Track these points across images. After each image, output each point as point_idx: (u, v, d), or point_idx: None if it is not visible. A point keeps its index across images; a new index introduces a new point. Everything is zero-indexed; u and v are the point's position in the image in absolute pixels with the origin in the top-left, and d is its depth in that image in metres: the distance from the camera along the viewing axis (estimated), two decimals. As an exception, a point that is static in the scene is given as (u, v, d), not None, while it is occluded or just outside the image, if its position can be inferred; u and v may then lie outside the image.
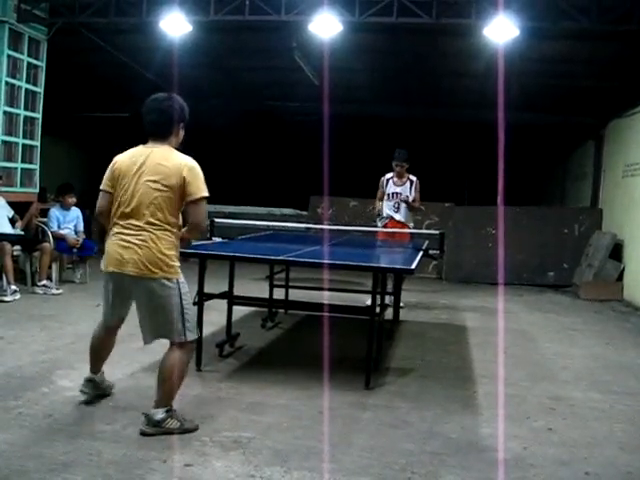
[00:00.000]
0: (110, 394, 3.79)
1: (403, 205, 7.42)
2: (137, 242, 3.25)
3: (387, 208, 7.46)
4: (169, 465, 2.95)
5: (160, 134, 3.40)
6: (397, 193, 7.44)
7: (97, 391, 3.70)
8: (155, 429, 3.25)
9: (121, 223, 3.33)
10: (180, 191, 3.27)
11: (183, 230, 3.44)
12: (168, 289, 3.27)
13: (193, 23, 7.79)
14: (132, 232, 3.28)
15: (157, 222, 3.27)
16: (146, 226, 3.26)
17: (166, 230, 3.29)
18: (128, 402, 3.74)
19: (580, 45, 8.30)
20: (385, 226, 7.40)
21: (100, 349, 3.65)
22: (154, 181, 3.26)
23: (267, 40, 9.01)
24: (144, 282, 3.26)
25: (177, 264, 3.34)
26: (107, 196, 3.41)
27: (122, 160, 3.41)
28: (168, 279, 3.27)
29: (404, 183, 7.46)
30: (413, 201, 7.46)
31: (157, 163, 3.29)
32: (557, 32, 7.71)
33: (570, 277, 10.06)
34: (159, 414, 3.26)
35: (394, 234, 7.31)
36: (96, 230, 3.27)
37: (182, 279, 3.35)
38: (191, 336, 3.36)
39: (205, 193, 3.30)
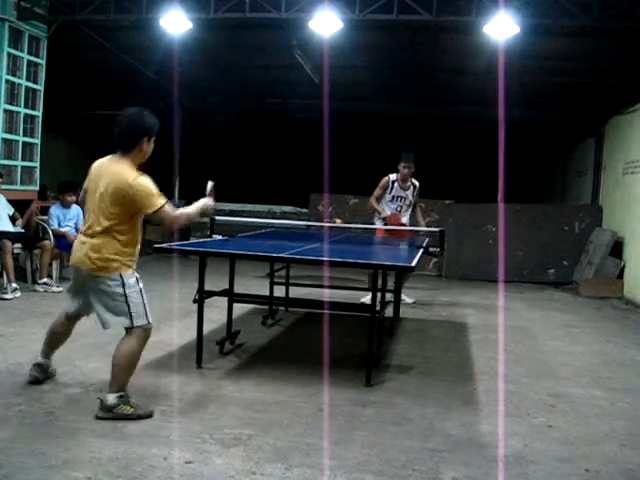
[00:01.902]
0: (53, 378, 3.99)
1: (405, 208, 7.44)
2: (88, 245, 3.53)
3: (388, 210, 7.42)
4: (170, 462, 2.96)
5: (123, 147, 3.56)
6: (402, 197, 7.43)
7: (44, 375, 3.91)
8: (108, 414, 3.39)
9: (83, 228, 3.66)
10: (129, 205, 3.47)
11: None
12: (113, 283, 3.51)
13: (193, 20, 7.78)
14: (87, 237, 3.57)
15: (104, 230, 3.49)
16: (96, 233, 3.51)
17: (113, 237, 3.50)
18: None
19: (581, 42, 8.29)
20: (386, 224, 7.37)
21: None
22: (101, 193, 3.50)
23: (267, 38, 9.01)
24: (94, 278, 3.52)
25: (123, 260, 3.52)
26: (84, 192, 3.78)
27: (94, 166, 3.70)
28: (110, 277, 3.49)
29: (408, 187, 7.45)
30: (414, 205, 7.52)
31: (110, 176, 3.50)
32: (558, 29, 7.70)
33: (570, 274, 10.07)
34: (111, 399, 3.41)
35: (394, 232, 7.30)
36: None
37: (129, 272, 3.54)
38: (139, 322, 3.52)
39: (157, 205, 3.46)
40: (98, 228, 3.50)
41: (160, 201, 3.48)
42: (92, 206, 3.57)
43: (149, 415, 3.47)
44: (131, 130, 3.54)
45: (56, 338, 3.92)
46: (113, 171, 3.51)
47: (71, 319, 3.87)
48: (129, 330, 3.52)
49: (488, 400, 4.13)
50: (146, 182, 3.48)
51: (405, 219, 7.49)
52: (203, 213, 3.89)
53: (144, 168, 3.64)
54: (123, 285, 3.49)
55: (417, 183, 7.51)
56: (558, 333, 6.47)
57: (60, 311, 3.93)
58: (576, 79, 9.60)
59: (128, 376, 3.51)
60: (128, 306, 3.50)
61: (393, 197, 7.43)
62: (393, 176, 7.44)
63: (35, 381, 3.86)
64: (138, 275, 3.61)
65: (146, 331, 3.57)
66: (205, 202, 3.87)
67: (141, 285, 3.58)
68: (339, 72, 9.54)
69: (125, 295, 3.49)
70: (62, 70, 9.73)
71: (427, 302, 7.97)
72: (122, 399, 3.42)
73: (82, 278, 3.61)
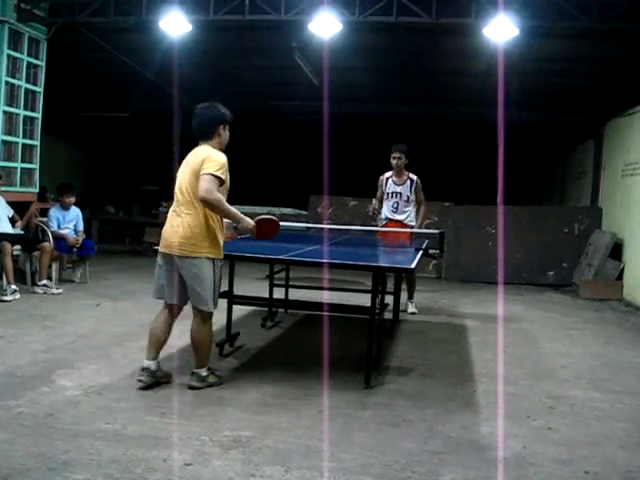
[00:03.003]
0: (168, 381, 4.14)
1: (402, 204, 7.16)
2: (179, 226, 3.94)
3: (386, 209, 7.23)
4: (169, 464, 2.96)
5: (203, 135, 4.06)
6: (397, 193, 7.15)
7: (152, 379, 4.03)
8: (202, 383, 4.05)
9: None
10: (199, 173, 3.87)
11: None
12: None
13: (193, 22, 7.79)
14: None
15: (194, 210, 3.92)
16: (186, 213, 3.93)
17: (200, 216, 3.91)
18: (129, 401, 3.75)
19: (580, 44, 8.31)
20: (384, 227, 7.27)
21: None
22: (190, 175, 3.92)
23: (267, 40, 9.02)
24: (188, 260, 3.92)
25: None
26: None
27: (186, 159, 4.10)
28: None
29: (404, 182, 7.15)
30: (418, 203, 7.27)
31: (194, 159, 3.96)
32: (557, 31, 7.71)
33: (570, 276, 10.07)
34: (204, 372, 4.08)
35: (394, 234, 7.24)
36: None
37: (219, 259, 4.03)
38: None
39: (211, 170, 3.81)
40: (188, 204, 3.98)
41: (215, 171, 3.81)
42: (181, 189, 4.02)
43: (222, 381, 4.17)
44: (204, 121, 4.04)
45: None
46: (199, 150, 3.99)
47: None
48: (202, 312, 3.99)
49: (488, 402, 4.13)
50: (221, 155, 3.94)
51: (404, 216, 7.17)
52: (239, 224, 4.06)
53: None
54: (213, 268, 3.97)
55: (415, 177, 7.18)
56: (558, 335, 6.47)
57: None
58: (575, 81, 9.61)
59: (210, 353, 4.13)
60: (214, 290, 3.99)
61: (388, 194, 7.19)
62: (387, 173, 7.25)
63: (145, 387, 3.97)
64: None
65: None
66: (250, 223, 4.09)
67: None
68: (339, 74, 9.54)
69: (214, 280, 3.97)
70: (62, 72, 9.74)
71: (427, 304, 7.96)
72: (210, 370, 4.11)
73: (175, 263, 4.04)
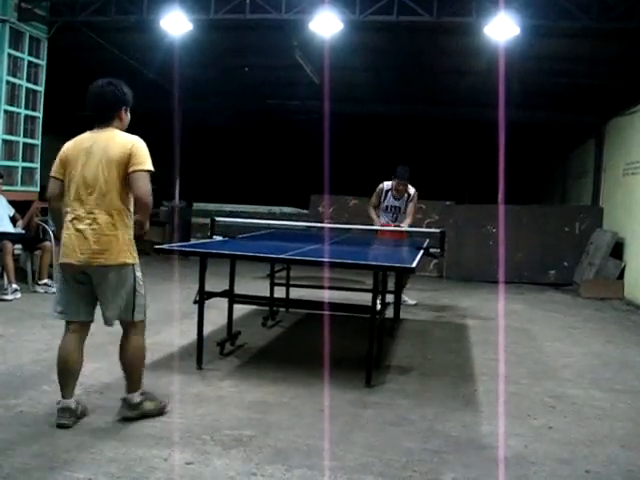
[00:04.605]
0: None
1: (400, 216, 7.43)
2: (93, 229, 3.28)
3: (384, 216, 7.47)
4: (170, 463, 2.96)
5: (103, 119, 3.41)
6: (396, 207, 7.42)
7: (76, 419, 3.40)
8: (135, 412, 3.41)
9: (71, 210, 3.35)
10: (126, 167, 3.28)
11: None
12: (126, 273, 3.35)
13: (194, 22, 7.79)
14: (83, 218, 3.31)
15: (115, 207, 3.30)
16: (104, 212, 3.29)
17: (123, 214, 3.33)
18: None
19: (581, 43, 8.29)
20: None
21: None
22: (105, 164, 3.28)
23: (268, 39, 9.00)
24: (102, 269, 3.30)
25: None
26: (57, 182, 3.45)
27: (69, 147, 3.44)
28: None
29: (402, 196, 7.39)
30: (408, 213, 7.46)
31: (105, 145, 3.31)
32: (558, 30, 7.69)
33: (571, 275, 10.06)
34: (136, 398, 3.43)
35: (394, 233, 7.30)
36: (51, 216, 3.28)
37: (138, 264, 3.42)
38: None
39: (147, 167, 3.30)
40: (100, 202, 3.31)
41: (150, 165, 3.32)
42: (86, 183, 3.31)
43: (165, 406, 3.55)
44: (108, 101, 3.41)
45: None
46: (109, 137, 3.35)
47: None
48: (130, 325, 3.43)
49: (488, 401, 4.13)
50: (143, 143, 3.37)
51: (403, 225, 7.42)
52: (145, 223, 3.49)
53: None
54: (134, 276, 3.39)
55: (412, 191, 7.37)
56: (559, 334, 6.47)
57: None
58: (576, 80, 9.59)
59: (142, 372, 3.51)
60: (135, 300, 3.40)
61: (387, 207, 7.44)
62: (387, 185, 7.39)
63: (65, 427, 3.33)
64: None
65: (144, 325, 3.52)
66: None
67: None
68: (339, 73, 9.54)
69: (135, 288, 3.39)
70: (62, 71, 9.73)
71: (428, 303, 7.97)
72: (144, 396, 3.48)
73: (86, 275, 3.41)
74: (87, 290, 3.39)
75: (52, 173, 3.47)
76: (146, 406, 3.46)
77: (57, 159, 3.48)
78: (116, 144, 3.31)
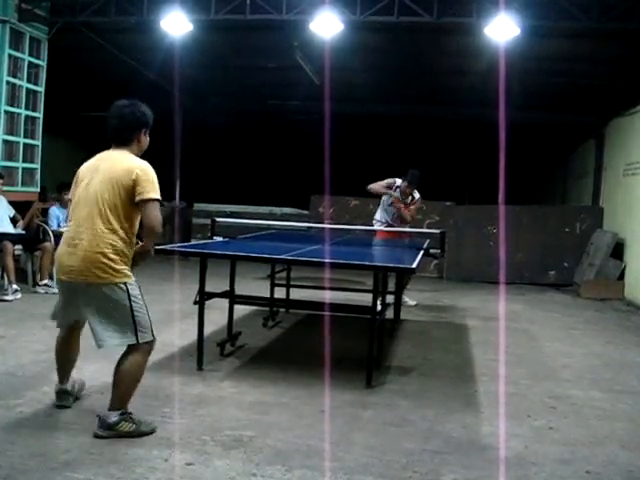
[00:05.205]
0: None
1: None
2: (80, 247, 3.23)
3: (386, 214, 7.60)
4: (170, 464, 2.96)
5: (120, 140, 3.39)
6: (399, 207, 7.56)
7: (73, 398, 3.63)
8: (108, 432, 3.19)
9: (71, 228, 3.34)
10: (131, 193, 3.24)
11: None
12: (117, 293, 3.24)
13: (194, 22, 7.79)
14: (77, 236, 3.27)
15: (105, 226, 3.23)
16: (92, 230, 3.23)
17: (114, 234, 3.24)
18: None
19: (581, 44, 8.30)
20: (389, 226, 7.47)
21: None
22: (104, 183, 3.25)
23: (268, 39, 9.01)
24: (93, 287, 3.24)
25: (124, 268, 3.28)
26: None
27: (83, 166, 3.45)
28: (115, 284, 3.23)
29: (406, 198, 7.56)
30: (407, 207, 7.54)
31: (111, 166, 3.29)
32: (558, 31, 7.70)
33: (571, 276, 10.06)
34: (113, 417, 3.21)
35: (395, 233, 7.33)
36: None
37: (132, 282, 3.29)
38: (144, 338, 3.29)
39: (155, 195, 3.26)
40: (100, 223, 3.26)
41: (157, 193, 3.28)
42: (87, 203, 3.28)
43: (152, 431, 3.28)
44: (128, 123, 3.37)
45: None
46: (119, 159, 3.32)
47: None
48: (133, 346, 3.28)
49: (489, 402, 4.13)
50: (151, 169, 3.33)
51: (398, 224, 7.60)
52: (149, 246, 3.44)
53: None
54: (129, 296, 3.24)
55: (417, 196, 7.60)
56: (559, 335, 6.47)
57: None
58: (577, 80, 9.60)
59: (131, 394, 3.31)
60: (135, 321, 3.25)
61: (391, 204, 7.58)
62: (399, 182, 7.53)
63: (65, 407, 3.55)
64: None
65: (151, 345, 3.36)
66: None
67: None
68: (340, 74, 9.53)
69: (132, 308, 3.24)
70: (63, 72, 9.74)
71: (428, 304, 7.97)
72: (123, 416, 3.23)
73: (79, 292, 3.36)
74: (76, 306, 3.34)
75: (69, 195, 3.57)
76: (124, 427, 3.21)
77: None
78: (122, 167, 3.27)
